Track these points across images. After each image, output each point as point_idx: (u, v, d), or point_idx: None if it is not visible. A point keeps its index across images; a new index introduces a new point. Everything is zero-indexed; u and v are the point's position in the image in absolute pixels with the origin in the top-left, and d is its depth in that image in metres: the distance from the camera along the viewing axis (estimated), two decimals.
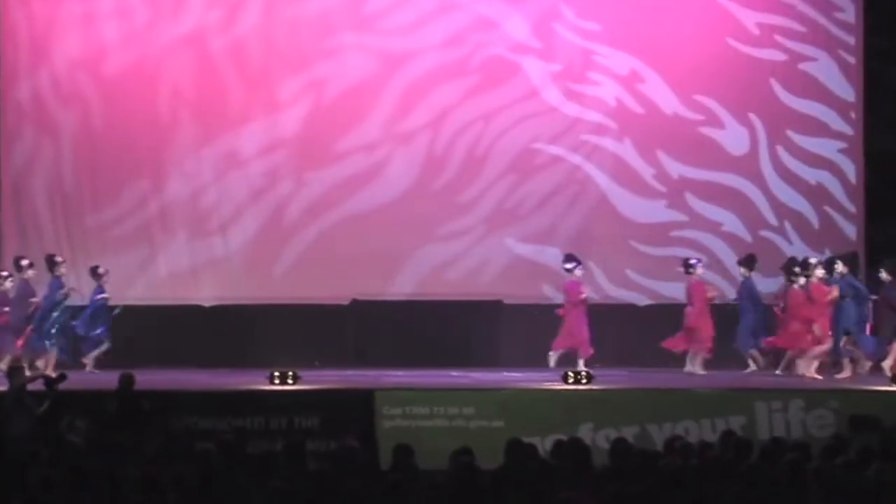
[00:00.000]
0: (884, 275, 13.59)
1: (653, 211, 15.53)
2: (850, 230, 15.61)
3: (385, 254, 15.24)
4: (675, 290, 14.77)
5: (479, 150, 15.61)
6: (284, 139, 15.52)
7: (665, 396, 11.63)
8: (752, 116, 15.63)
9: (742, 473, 7.04)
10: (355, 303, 15.26)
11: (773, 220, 15.60)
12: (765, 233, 15.57)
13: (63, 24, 15.34)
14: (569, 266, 14.17)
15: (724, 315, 14.25)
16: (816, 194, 15.64)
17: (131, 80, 15.29)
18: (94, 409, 10.39)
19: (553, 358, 13.89)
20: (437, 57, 15.59)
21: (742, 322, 14.13)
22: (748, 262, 14.34)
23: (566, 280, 14.23)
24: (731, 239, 15.46)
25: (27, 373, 11.68)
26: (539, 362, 14.12)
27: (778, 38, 15.65)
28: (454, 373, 13.77)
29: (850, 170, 15.69)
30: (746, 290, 14.22)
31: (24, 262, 14.10)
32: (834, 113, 15.66)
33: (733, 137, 15.58)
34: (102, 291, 14.26)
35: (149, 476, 6.47)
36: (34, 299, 13.95)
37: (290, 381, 12.08)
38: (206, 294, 14.66)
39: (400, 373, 13.74)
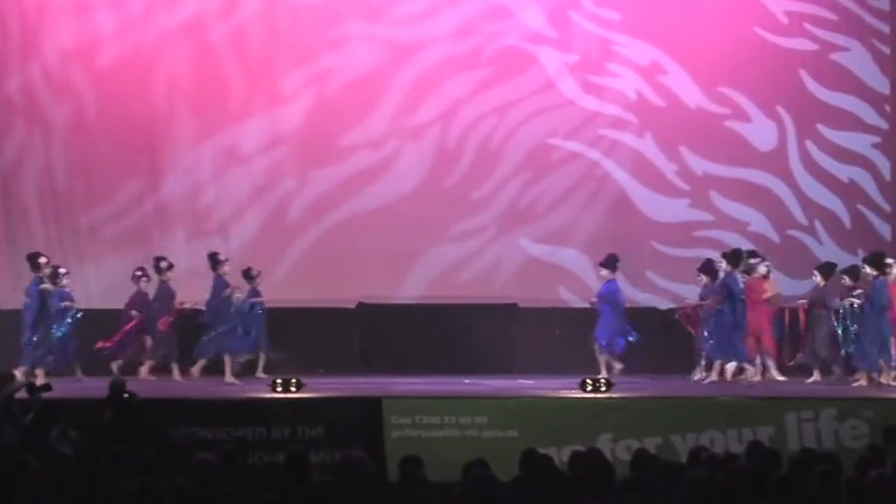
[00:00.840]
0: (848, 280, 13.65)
1: (675, 210, 15.52)
2: (885, 230, 15.58)
3: (393, 254, 15.24)
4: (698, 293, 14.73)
5: (491, 145, 15.62)
6: (287, 134, 15.54)
7: (689, 405, 11.58)
8: (780, 110, 15.60)
9: (770, 486, 7.00)
10: (362, 306, 15.28)
11: (802, 220, 15.57)
12: (794, 232, 15.54)
13: (55, 14, 15.38)
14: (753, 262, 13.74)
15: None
16: (848, 192, 15.61)
17: (126, 71, 15.32)
18: (86, 418, 10.39)
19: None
20: (448, 47, 15.60)
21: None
22: (734, 258, 13.98)
23: (749, 280, 13.68)
24: (758, 239, 15.42)
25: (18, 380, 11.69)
26: (555, 368, 14.11)
27: (808, 26, 15.62)
28: (466, 380, 13.76)
29: (885, 166, 15.66)
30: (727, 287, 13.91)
31: (164, 264, 14.17)
32: (867, 105, 15.63)
33: (760, 132, 15.56)
34: (257, 294, 14.18)
35: (145, 487, 6.46)
36: (177, 302, 14.08)
37: (292, 389, 12.08)
38: (204, 297, 14.61)
39: (409, 380, 13.73)
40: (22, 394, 10.47)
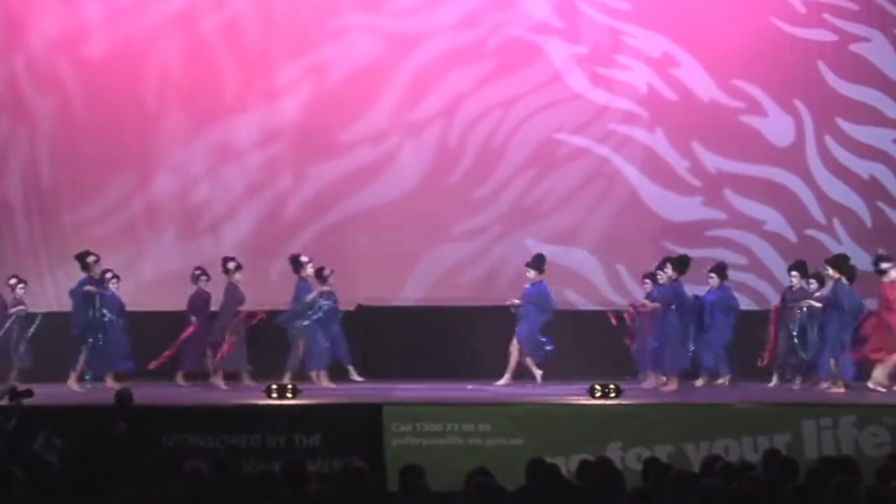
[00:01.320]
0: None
1: (688, 208, 15.49)
2: None
3: (393, 255, 15.23)
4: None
5: (496, 141, 15.60)
6: (283, 129, 15.52)
7: (702, 412, 11.56)
8: (797, 103, 15.58)
9: (788, 497, 6.98)
10: (361, 309, 15.24)
11: (820, 218, 15.54)
12: (811, 232, 15.51)
13: (40, 2, 15.36)
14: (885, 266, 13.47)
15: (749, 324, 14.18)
16: (869, 189, 15.58)
17: (115, 63, 15.30)
18: (89, 429, 10.37)
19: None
20: (451, 39, 15.58)
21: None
22: (681, 264, 13.98)
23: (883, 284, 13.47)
24: (774, 239, 15.40)
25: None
26: (563, 374, 14.09)
27: (827, 16, 15.59)
28: (469, 386, 13.74)
29: None
30: (673, 293, 13.91)
31: (232, 265, 14.12)
32: (888, 99, 15.60)
33: (777, 127, 15.53)
34: (332, 297, 14.14)
35: (134, 498, 6.43)
36: (242, 307, 14.06)
37: (288, 395, 12.07)
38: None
39: (410, 385, 13.72)
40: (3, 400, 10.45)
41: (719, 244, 15.36)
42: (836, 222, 15.56)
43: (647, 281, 14.29)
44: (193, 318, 14.12)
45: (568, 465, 9.97)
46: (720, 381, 13.98)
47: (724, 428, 11.26)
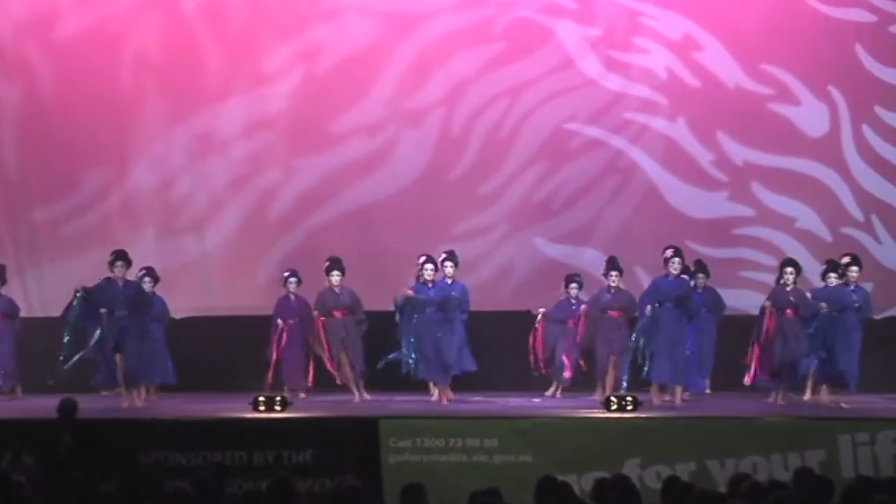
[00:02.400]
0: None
1: (712, 204, 15.49)
2: None
3: (390, 255, 15.23)
4: (739, 300, 14.70)
5: (502, 131, 15.60)
6: (271, 118, 15.52)
7: (728, 426, 11.58)
8: (832, 90, 15.56)
9: None
10: None
11: (857, 215, 15.53)
12: (848, 230, 15.50)
13: None
14: None
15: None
16: None
17: (88, 46, 15.31)
18: (40, 442, 10.37)
19: None
20: (454, 20, 15.58)
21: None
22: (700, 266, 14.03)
23: None
24: (806, 238, 15.39)
25: None
26: (576, 385, 14.09)
27: None
28: (475, 397, 13.74)
29: None
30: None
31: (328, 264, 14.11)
32: None
33: (810, 115, 15.52)
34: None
35: None
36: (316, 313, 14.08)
37: (277, 408, 12.08)
38: (177, 304, 14.64)
39: (409, 397, 13.73)
40: None
41: (746, 243, 15.35)
42: (874, 219, 15.54)
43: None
44: (280, 322, 14.03)
45: (581, 483, 10.00)
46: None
47: (752, 443, 11.27)
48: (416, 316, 13.72)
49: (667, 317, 13.48)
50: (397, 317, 13.96)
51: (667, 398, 13.40)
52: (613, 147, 15.60)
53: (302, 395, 13.88)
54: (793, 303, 13.56)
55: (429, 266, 13.81)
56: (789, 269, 13.70)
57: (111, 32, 15.37)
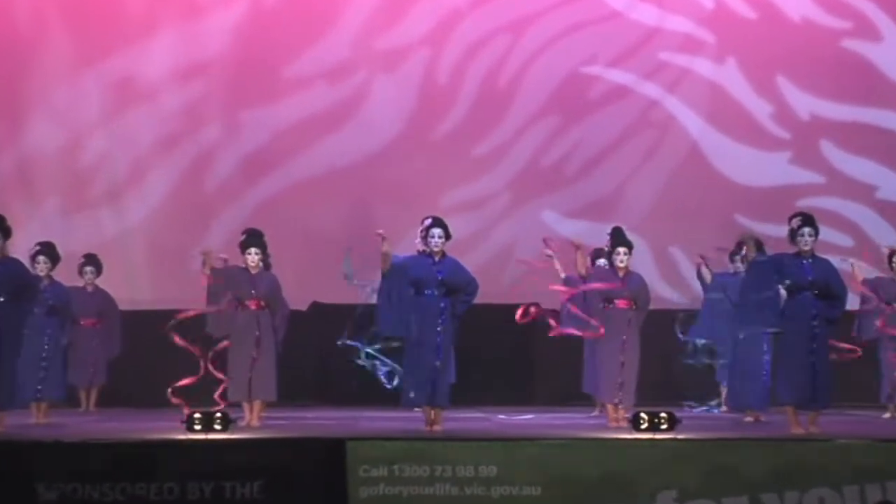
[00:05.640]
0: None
1: (770, 169, 15.62)
2: None
3: (361, 233, 15.17)
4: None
5: (502, 78, 15.68)
6: (209, 60, 15.59)
7: (789, 450, 11.55)
8: None
9: None
10: (317, 308, 15.33)
11: None
12: None
13: None
14: None
15: None
16: None
17: None
18: None
19: None
20: None
21: None
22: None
23: None
24: (889, 210, 15.46)
25: None
26: (594, 398, 14.12)
27: None
28: (467, 413, 13.72)
29: None
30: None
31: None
32: None
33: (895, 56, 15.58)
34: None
35: None
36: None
37: (217, 427, 12.02)
38: None
39: (384, 413, 13.73)
40: None
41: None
42: None
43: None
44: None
45: None
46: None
47: (820, 472, 11.24)
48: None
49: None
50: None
51: (756, 419, 13.45)
52: (644, 96, 15.74)
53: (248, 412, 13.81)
54: None
55: (437, 231, 13.01)
56: None
57: None
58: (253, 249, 13.14)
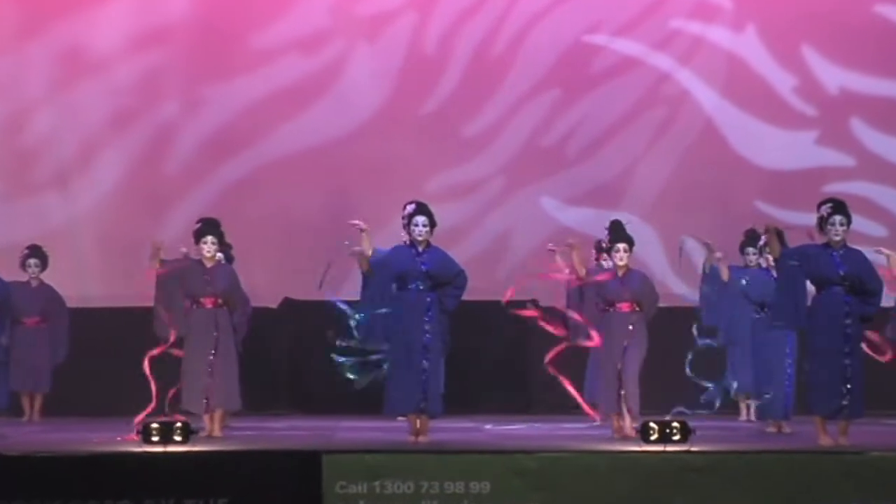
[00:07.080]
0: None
1: (795, 149, 15.66)
2: None
3: (338, 222, 15.16)
4: None
5: (496, 47, 15.70)
6: (167, 28, 15.63)
7: (815, 464, 11.57)
8: None
9: None
10: (289, 304, 15.38)
11: None
12: None
13: None
14: None
15: None
16: None
17: None
18: None
19: None
20: None
21: None
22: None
23: None
24: None
25: None
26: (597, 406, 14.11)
27: None
28: (456, 423, 13.72)
29: None
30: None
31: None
32: None
33: None
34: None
35: None
36: None
37: (177, 438, 12.00)
38: None
39: (364, 423, 13.73)
40: None
41: None
42: None
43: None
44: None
45: None
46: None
47: (849, 488, 11.27)
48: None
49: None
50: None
51: (780, 430, 13.46)
52: (655, 68, 15.76)
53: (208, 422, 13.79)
54: None
55: (420, 219, 12.84)
56: None
57: None
58: (209, 238, 12.98)
